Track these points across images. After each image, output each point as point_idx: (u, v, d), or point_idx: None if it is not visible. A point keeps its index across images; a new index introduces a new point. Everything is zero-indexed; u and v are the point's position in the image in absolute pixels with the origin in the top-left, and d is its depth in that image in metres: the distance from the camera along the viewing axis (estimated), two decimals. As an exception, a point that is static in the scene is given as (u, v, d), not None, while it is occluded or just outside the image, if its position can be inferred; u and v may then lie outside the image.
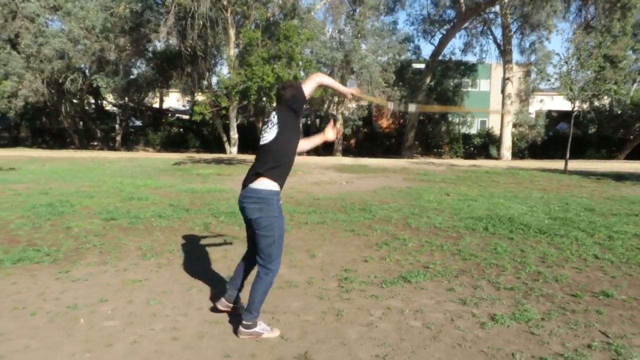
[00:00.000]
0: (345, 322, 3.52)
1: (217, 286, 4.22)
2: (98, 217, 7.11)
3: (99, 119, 32.88)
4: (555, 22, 22.95)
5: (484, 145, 32.99)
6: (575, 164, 19.87)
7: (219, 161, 19.30)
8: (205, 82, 24.50)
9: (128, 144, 34.52)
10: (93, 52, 23.59)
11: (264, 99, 15.13)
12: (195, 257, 5.14)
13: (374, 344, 3.19)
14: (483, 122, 36.79)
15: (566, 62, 15.63)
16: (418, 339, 3.27)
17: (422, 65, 31.06)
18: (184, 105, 47.08)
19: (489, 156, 31.45)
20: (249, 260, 3.54)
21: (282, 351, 3.07)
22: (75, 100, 29.52)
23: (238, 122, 24.66)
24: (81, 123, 32.71)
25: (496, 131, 32.56)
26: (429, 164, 20.66)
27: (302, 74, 15.77)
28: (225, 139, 25.35)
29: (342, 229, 6.60)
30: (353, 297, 4.03)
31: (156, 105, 40.51)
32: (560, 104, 37.94)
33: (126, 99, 27.39)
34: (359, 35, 24.50)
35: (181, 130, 36.65)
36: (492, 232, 6.37)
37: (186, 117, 41.74)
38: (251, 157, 22.13)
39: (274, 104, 15.55)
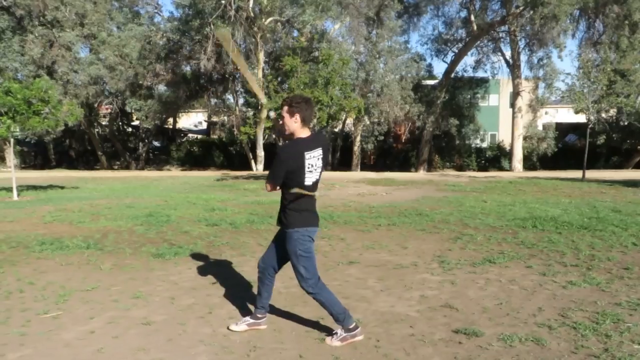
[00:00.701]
0: (461, 287, 4.74)
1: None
2: (200, 223, 8.35)
3: (126, 140, 34.27)
4: (564, 40, 24.31)
5: (496, 157, 34.33)
6: (589, 174, 21.06)
7: (255, 177, 20.57)
8: (233, 102, 25.96)
9: (150, 163, 35.96)
10: (127, 77, 25.10)
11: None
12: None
13: (490, 298, 4.40)
14: (493, 136, 38.20)
15: (578, 79, 16.96)
16: (520, 295, 4.49)
17: (432, 82, 32.57)
18: (195, 125, 48.43)
19: (501, 168, 32.71)
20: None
21: (431, 302, 4.28)
22: (104, 123, 31.04)
23: (265, 140, 26.03)
24: (110, 144, 34.26)
25: (507, 144, 33.96)
26: (450, 176, 21.92)
27: (338, 94, 17.10)
28: (251, 156, 26.69)
29: (413, 229, 7.83)
30: (456, 273, 5.24)
31: (169, 126, 41.91)
32: (565, 116, 39.37)
33: (156, 121, 28.72)
34: (378, 56, 25.96)
35: (199, 149, 37.84)
36: (542, 229, 7.60)
37: (199, 136, 43.37)
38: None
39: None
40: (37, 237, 7.20)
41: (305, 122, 3.40)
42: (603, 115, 30.97)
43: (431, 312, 4.07)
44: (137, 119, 29.84)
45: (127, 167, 32.90)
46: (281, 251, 3.63)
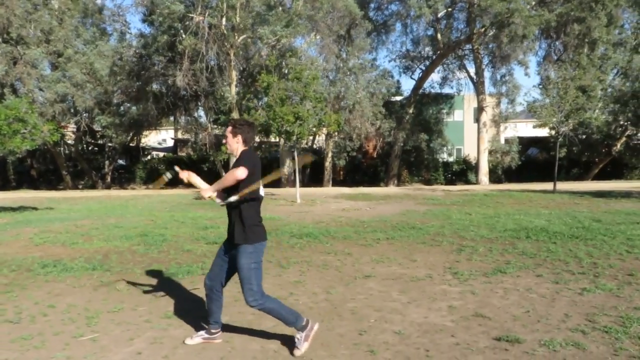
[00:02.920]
0: (483, 297, 4.90)
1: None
2: (200, 242, 8.30)
3: (92, 159, 33.47)
4: (528, 58, 25.35)
5: (462, 171, 35.21)
6: (555, 186, 21.89)
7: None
8: (205, 119, 25.81)
9: (115, 182, 35.15)
10: (95, 95, 24.64)
11: (283, 136, 16.53)
12: (323, 256, 6.44)
13: (515, 306, 4.58)
14: (459, 150, 39.20)
15: (547, 96, 17.73)
16: (542, 302, 4.69)
17: (400, 98, 33.34)
18: (160, 143, 47.65)
19: (467, 182, 33.56)
20: None
21: (461, 311, 4.42)
22: (70, 142, 30.25)
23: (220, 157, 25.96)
24: (74, 163, 33.34)
25: (472, 158, 34.94)
26: (424, 190, 22.37)
27: (312, 110, 17.25)
28: (224, 174, 26.54)
29: (413, 242, 8.01)
30: (473, 284, 5.42)
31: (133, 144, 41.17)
32: (525, 130, 40.81)
33: (126, 138, 28.23)
34: (349, 73, 26.38)
35: (167, 167, 37.25)
36: (536, 239, 7.90)
37: (164, 154, 42.76)
38: (264, 191, 23.38)
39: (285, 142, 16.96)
40: (35, 260, 7.00)
41: (246, 143, 3.66)
42: (563, 129, 32.43)
43: (466, 322, 4.21)
44: (104, 136, 29.20)
45: (93, 187, 32.06)
46: (229, 266, 3.77)
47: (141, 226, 10.51)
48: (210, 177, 31.24)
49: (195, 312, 4.62)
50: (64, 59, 24.07)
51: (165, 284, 5.68)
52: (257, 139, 23.17)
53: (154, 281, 5.79)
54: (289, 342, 3.79)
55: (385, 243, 7.97)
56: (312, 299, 4.96)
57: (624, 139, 31.65)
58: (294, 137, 16.35)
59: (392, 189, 25.38)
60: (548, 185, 23.53)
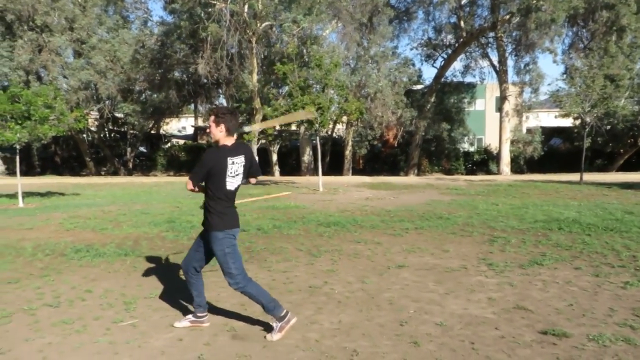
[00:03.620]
0: (522, 289, 4.81)
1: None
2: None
3: (114, 146, 33.78)
4: (553, 44, 24.80)
5: (483, 161, 34.81)
6: (578, 176, 21.51)
7: (259, 182, 20.43)
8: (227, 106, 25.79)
9: (136, 169, 35.47)
10: (118, 82, 24.79)
11: (305, 125, 16.44)
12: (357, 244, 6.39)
13: (557, 299, 4.48)
14: (479, 140, 38.73)
15: (573, 84, 17.35)
16: (584, 296, 4.58)
17: (420, 87, 32.95)
18: (179, 131, 47.92)
19: (488, 172, 33.16)
20: None
21: (501, 304, 4.33)
22: (93, 128, 30.55)
23: (258, 146, 25.99)
24: (96, 150, 33.71)
25: (493, 148, 34.51)
26: (446, 180, 22.17)
27: (335, 98, 17.13)
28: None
29: (442, 232, 7.91)
30: (509, 275, 5.32)
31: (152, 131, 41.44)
32: (548, 120, 40.17)
33: (147, 125, 28.39)
34: (370, 61, 26.12)
35: (187, 154, 37.46)
36: (569, 231, 7.75)
37: (183, 141, 42.96)
38: (286, 179, 23.41)
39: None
40: (67, 245, 7.08)
41: (229, 131, 3.68)
42: (589, 119, 31.82)
43: (507, 314, 4.13)
44: (126, 123, 29.39)
45: (115, 173, 32.40)
46: (204, 251, 3.87)
47: (167, 212, 10.57)
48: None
49: (231, 300, 4.61)
50: (88, 47, 24.24)
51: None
52: (277, 127, 23.12)
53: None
54: (329, 333, 3.76)
55: (414, 233, 7.89)
56: (347, 288, 4.92)
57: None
58: (316, 126, 16.27)
59: (412, 179, 25.21)
60: (572, 176, 23.18)
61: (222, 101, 28.01)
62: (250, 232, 8.05)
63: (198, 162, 3.66)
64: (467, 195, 14.19)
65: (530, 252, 6.36)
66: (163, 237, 7.67)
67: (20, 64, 22.96)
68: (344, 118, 20.02)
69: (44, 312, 4.30)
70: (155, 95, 26.38)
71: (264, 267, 5.82)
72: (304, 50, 20.86)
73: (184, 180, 3.73)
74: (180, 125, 53.18)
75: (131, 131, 32.31)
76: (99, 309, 4.37)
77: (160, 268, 5.79)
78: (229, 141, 3.70)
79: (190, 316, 4.02)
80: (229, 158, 3.63)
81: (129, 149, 33.80)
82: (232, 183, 3.69)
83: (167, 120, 37.42)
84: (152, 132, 39.25)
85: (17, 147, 12.32)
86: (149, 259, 6.24)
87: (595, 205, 11.08)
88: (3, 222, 9.55)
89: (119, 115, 29.79)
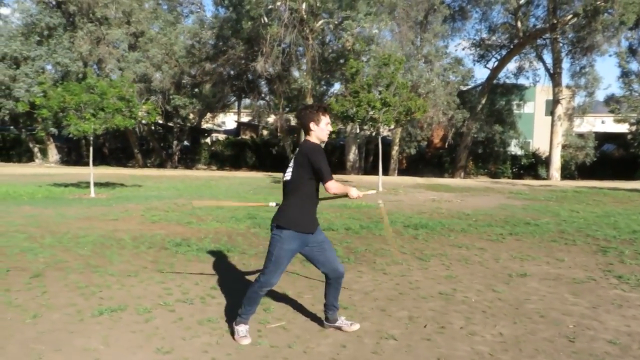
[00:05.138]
0: (674, 307, 4.50)
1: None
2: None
3: (162, 139, 34.24)
4: (620, 47, 23.95)
5: (531, 165, 33.95)
6: (635, 184, 20.84)
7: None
8: (277, 103, 25.79)
9: (181, 162, 35.85)
10: (173, 75, 25.03)
11: (370, 123, 16.22)
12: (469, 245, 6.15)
13: None
14: (527, 144, 37.83)
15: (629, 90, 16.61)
16: None
17: (468, 87, 32.30)
18: (219, 125, 48.25)
19: (537, 176, 32.32)
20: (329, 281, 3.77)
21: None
22: (144, 121, 30.94)
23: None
24: (142, 142, 34.22)
25: (542, 152, 33.63)
26: (503, 184, 21.64)
27: (396, 98, 16.85)
28: (292, 156, 26.59)
29: (541, 239, 7.58)
30: (648, 290, 5.00)
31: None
32: (600, 125, 38.99)
33: (201, 119, 28.60)
34: (424, 60, 25.74)
35: (232, 149, 37.61)
36: (680, 243, 7.33)
37: (223, 136, 43.16)
38: (336, 177, 23.25)
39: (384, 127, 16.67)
40: (163, 238, 7.06)
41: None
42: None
43: (678, 334, 3.84)
44: (174, 116, 29.65)
45: (161, 165, 32.83)
46: (327, 248, 3.72)
47: (240, 208, 10.50)
48: (277, 160, 31.40)
49: (360, 301, 4.44)
50: (145, 39, 24.56)
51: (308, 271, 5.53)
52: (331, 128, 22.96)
53: (298, 268, 5.65)
54: (499, 347, 3.54)
55: (511, 239, 7.59)
56: (482, 297, 4.69)
57: None
58: (379, 124, 16.04)
59: (461, 181, 24.72)
60: (625, 184, 22.28)
61: (273, 97, 28.01)
62: (339, 231, 7.89)
63: (316, 160, 3.40)
64: (538, 200, 13.74)
65: (655, 266, 6.01)
66: (255, 234, 7.58)
67: (81, 54, 23.38)
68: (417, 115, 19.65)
69: (182, 309, 4.20)
70: (209, 89, 26.54)
71: (378, 270, 5.63)
72: (364, 49, 20.59)
73: (323, 186, 3.48)
74: (219, 120, 53.64)
75: (178, 124, 32.67)
76: (235, 308, 4.23)
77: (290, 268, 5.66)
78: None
79: (341, 319, 3.84)
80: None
81: (175, 142, 34.22)
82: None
83: (212, 115, 37.76)
84: (192, 126, 39.67)
85: (91, 138, 12.48)
86: (255, 256, 6.13)
87: (685, 216, 10.54)
88: (85, 212, 9.63)
89: (168, 108, 30.12)
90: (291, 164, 3.55)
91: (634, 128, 31.44)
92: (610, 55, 25.04)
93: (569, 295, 4.80)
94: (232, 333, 3.64)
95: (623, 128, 34.06)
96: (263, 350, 3.40)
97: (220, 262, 5.84)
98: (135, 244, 6.67)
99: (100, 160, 36.05)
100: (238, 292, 4.67)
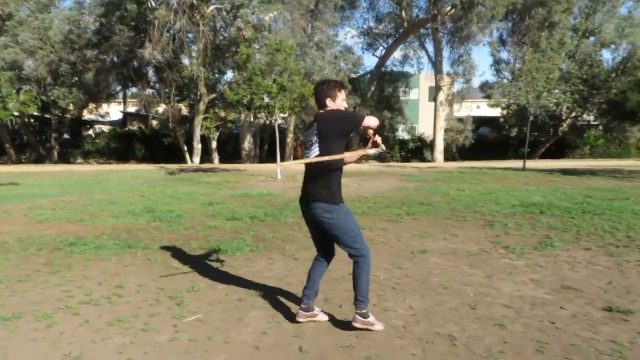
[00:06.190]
0: (554, 270, 5.03)
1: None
2: (219, 218, 8.00)
3: (39, 132, 31.50)
4: (492, 38, 25.94)
5: (417, 149, 36.00)
6: (509, 163, 22.96)
7: (205, 170, 19.89)
8: (167, 92, 24.77)
9: (61, 156, 33.31)
10: (48, 62, 23.06)
11: (264, 111, 16.16)
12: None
13: (593, 278, 4.73)
14: (413, 128, 39.96)
15: (519, 76, 18.26)
16: (614, 273, 4.86)
17: (357, 75, 33.39)
18: (102, 116, 45.55)
19: (423, 159, 34.33)
20: (322, 262, 3.78)
21: (546, 284, 4.51)
22: (16, 113, 28.19)
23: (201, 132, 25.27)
24: (13, 136, 31.24)
25: (427, 136, 35.77)
26: (395, 167, 22.67)
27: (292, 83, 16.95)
28: (186, 149, 25.81)
29: (436, 217, 8.09)
30: (531, 257, 5.54)
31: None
32: (476, 110, 42.12)
33: (82, 110, 26.66)
34: (315, 48, 26.07)
35: (118, 141, 35.61)
36: (551, 214, 8.19)
37: (107, 127, 40.74)
38: (231, 167, 22.83)
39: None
40: (54, 238, 6.55)
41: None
42: (531, 110, 33.73)
43: (561, 294, 4.30)
44: (52, 107, 27.40)
45: (37, 161, 30.27)
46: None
47: (136, 202, 10.05)
48: (169, 152, 30.25)
49: (292, 287, 4.47)
50: (14, 22, 22.30)
51: (222, 263, 5.45)
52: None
53: (208, 260, 5.53)
54: (411, 319, 3.74)
55: (409, 219, 8.01)
56: (389, 274, 4.92)
57: (569, 120, 33.40)
58: (276, 111, 16.06)
59: (355, 166, 25.48)
60: (500, 163, 24.41)
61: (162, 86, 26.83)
62: (244, 220, 7.83)
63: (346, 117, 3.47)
64: (427, 181, 14.60)
65: (534, 235, 6.66)
66: (156, 228, 7.28)
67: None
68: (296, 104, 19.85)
69: (87, 311, 3.95)
70: (91, 78, 24.75)
71: (288, 256, 5.68)
72: (252, 36, 20.39)
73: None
74: (102, 111, 50.36)
75: (57, 115, 30.22)
76: (146, 305, 4.08)
77: (183, 260, 5.49)
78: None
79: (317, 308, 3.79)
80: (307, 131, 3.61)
81: (53, 135, 31.66)
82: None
83: (95, 105, 35.36)
84: (73, 117, 36.95)
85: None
86: (160, 250, 5.91)
87: (554, 190, 11.78)
88: (-44, 214, 8.64)
89: (44, 99, 27.73)
90: (313, 139, 3.42)
91: (505, 112, 34.38)
92: (484, 45, 27.08)
93: (466, 267, 5.19)
94: (355, 328, 3.50)
95: (496, 112, 37.09)
96: (182, 345, 3.31)
97: (123, 259, 5.54)
98: (22, 246, 6.12)
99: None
100: (147, 288, 4.51)
